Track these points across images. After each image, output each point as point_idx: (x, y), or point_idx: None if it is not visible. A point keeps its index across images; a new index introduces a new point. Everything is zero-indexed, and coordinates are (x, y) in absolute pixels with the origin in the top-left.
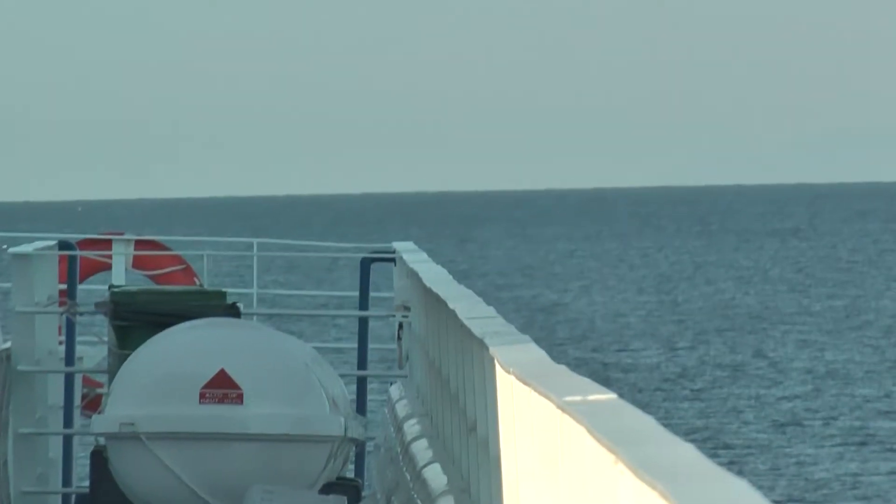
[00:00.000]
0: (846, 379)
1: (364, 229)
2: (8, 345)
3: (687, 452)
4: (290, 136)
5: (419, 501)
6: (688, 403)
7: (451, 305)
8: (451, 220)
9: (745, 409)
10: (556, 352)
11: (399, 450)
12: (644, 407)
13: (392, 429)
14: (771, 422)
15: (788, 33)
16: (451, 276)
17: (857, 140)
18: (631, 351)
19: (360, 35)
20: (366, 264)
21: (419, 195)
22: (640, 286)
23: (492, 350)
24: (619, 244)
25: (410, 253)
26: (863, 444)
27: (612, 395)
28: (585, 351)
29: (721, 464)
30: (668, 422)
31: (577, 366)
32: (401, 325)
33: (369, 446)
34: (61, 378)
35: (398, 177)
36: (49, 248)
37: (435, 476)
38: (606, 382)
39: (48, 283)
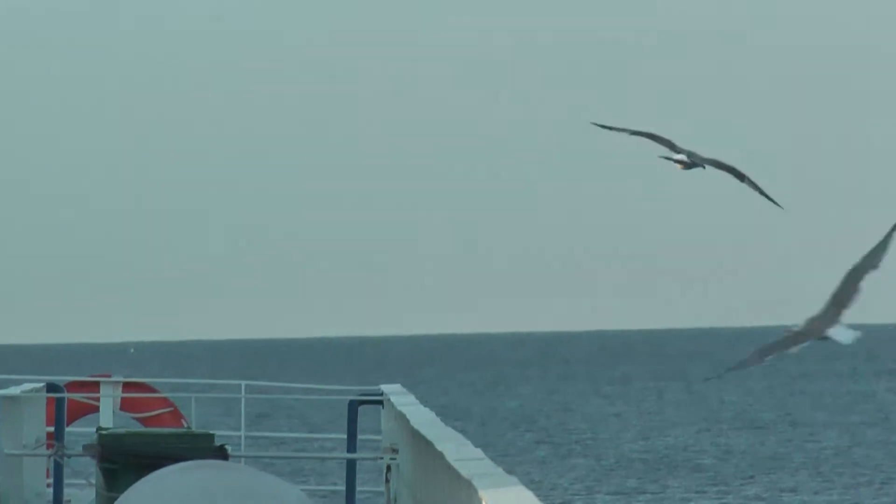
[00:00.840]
0: None
1: (379, 371)
2: None
3: None
4: (278, 279)
5: None
6: None
7: (438, 447)
8: (463, 363)
9: None
10: (590, 485)
11: None
12: None
13: None
14: None
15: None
16: (438, 418)
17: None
18: (671, 489)
19: (331, 188)
20: (353, 407)
21: (420, 338)
22: (684, 424)
23: (480, 492)
24: (662, 383)
25: (398, 395)
26: None
27: None
28: (620, 485)
29: None
30: None
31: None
32: (389, 468)
33: None
34: None
35: (394, 320)
36: (37, 390)
37: None
38: None
39: (36, 425)
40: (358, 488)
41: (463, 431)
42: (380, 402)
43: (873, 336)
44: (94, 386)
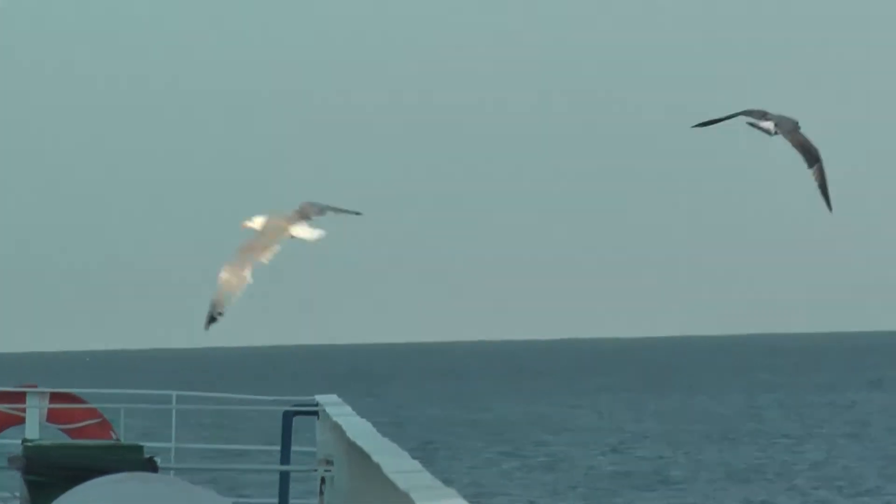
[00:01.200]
0: None
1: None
2: None
3: None
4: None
5: None
6: None
7: (374, 459)
8: (445, 373)
9: None
10: (557, 499)
11: None
12: None
13: None
14: None
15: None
16: (375, 430)
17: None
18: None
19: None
20: (288, 417)
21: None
22: (656, 436)
23: None
24: (636, 395)
25: (334, 406)
26: None
27: None
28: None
29: None
30: None
31: None
32: (323, 480)
33: None
34: None
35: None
36: None
37: None
38: None
39: None
40: (291, 501)
41: (431, 442)
42: (315, 413)
43: (865, 345)
44: (20, 396)
